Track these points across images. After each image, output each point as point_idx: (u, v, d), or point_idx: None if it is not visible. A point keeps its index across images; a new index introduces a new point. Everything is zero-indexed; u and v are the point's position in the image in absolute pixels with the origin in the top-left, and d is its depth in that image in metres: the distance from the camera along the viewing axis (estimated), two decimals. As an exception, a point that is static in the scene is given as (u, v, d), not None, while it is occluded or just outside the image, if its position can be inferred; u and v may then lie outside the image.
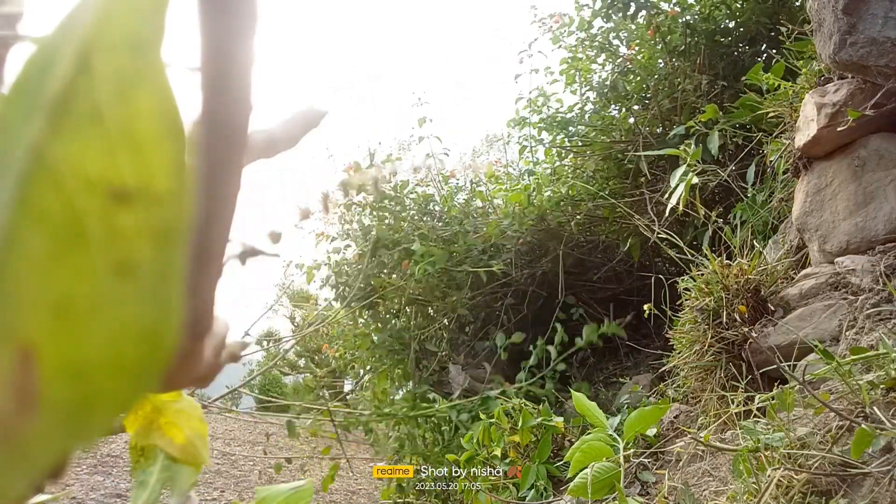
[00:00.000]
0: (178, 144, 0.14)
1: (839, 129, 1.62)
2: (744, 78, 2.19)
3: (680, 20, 2.78)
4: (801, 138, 1.78)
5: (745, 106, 2.20)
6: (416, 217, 3.17)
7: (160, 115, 0.14)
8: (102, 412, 0.13)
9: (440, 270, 2.87)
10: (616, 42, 3.18)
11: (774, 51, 2.23)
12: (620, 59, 3.13)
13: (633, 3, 2.75)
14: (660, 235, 2.11)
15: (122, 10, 0.13)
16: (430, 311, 3.38)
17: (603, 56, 3.20)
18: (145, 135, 0.13)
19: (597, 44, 3.16)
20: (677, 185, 1.85)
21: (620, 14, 2.84)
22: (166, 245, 0.13)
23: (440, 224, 3.18)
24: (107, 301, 0.13)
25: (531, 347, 3.29)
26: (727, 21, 2.84)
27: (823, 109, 1.68)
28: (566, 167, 3.38)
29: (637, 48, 3.05)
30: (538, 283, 3.12)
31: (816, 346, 1.16)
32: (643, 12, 2.76)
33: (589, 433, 1.46)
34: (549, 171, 3.44)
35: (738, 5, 2.78)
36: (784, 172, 1.97)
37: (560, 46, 3.23)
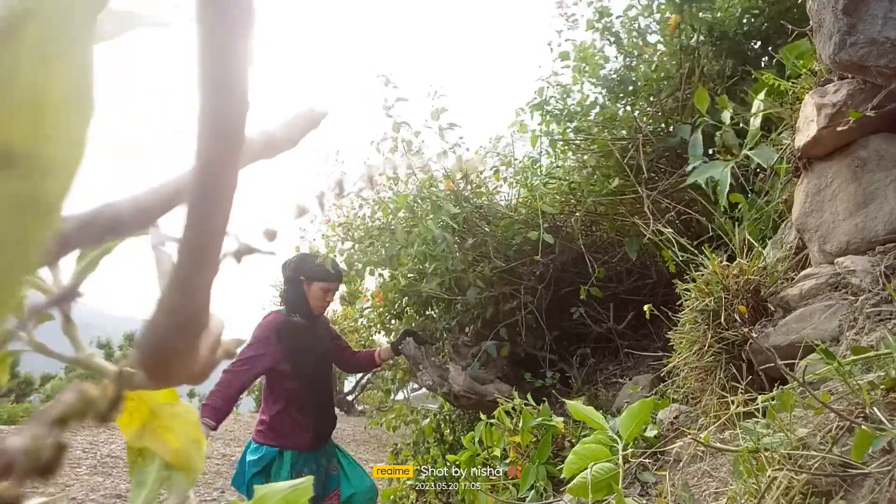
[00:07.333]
0: (84, 119, 0.14)
1: (839, 129, 1.62)
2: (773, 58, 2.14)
3: (700, 15, 2.75)
4: (801, 139, 1.77)
5: (757, 91, 2.16)
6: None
7: (74, 88, 0.13)
8: None
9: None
10: (623, 36, 3.15)
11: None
12: (626, 54, 3.10)
13: None
14: (662, 233, 2.10)
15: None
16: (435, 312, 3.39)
17: (614, 48, 3.16)
18: (54, 104, 0.13)
19: (607, 36, 3.12)
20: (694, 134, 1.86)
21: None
22: (32, 216, 0.13)
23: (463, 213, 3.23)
24: None
25: (536, 347, 3.29)
26: (742, 19, 2.81)
27: (823, 110, 1.68)
28: (568, 164, 3.37)
29: (654, 42, 3.02)
30: (546, 282, 3.13)
31: (819, 346, 1.16)
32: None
33: (585, 434, 1.46)
34: (554, 166, 3.44)
35: (754, 1, 2.75)
36: (788, 170, 1.96)
37: (593, 29, 3.18)
